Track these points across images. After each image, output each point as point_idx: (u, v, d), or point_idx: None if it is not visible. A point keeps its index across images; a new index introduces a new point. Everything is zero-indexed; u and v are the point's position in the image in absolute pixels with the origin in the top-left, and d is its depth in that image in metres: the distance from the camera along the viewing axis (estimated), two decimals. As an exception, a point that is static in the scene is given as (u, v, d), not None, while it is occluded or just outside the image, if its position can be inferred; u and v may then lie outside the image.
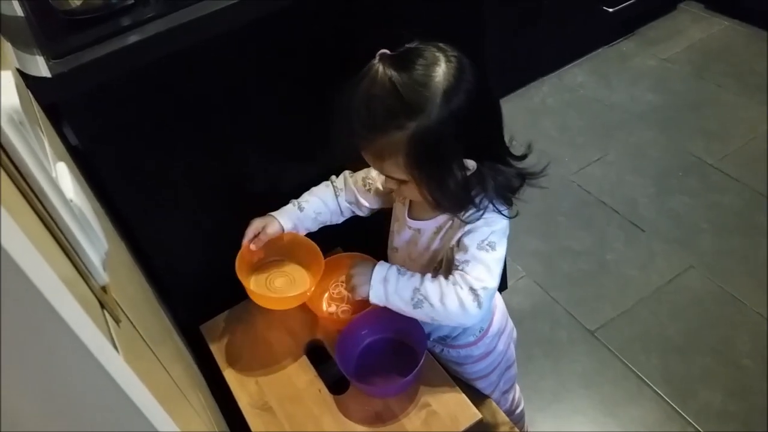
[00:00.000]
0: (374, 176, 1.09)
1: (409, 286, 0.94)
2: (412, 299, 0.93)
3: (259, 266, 1.11)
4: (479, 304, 0.90)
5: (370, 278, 0.95)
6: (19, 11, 0.96)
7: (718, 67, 2.42)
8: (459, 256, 0.93)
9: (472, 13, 1.17)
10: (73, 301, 0.40)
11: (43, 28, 0.90)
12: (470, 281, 0.91)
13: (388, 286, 0.95)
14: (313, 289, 1.06)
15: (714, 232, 1.87)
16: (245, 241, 1.04)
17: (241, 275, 1.03)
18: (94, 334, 0.41)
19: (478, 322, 0.94)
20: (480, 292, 0.90)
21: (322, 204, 1.09)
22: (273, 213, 1.07)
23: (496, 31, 1.25)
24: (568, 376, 1.61)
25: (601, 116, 2.32)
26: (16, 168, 0.43)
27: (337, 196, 1.10)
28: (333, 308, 1.11)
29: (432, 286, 0.93)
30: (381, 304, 0.96)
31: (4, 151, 0.42)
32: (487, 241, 0.92)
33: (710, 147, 2.12)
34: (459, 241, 0.94)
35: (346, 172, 1.12)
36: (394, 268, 0.97)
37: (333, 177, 1.13)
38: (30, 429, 0.40)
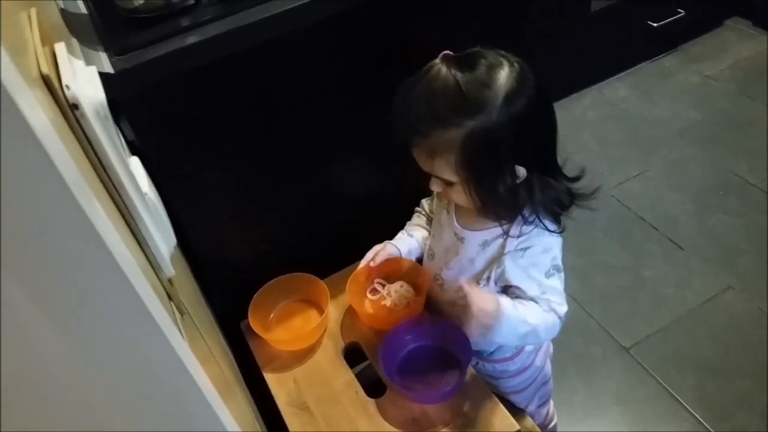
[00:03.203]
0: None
1: (518, 317, 0.92)
2: (521, 329, 0.93)
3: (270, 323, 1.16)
4: (561, 323, 0.98)
5: (495, 301, 0.91)
6: (83, 9, 0.99)
7: (764, 85, 2.38)
8: (533, 293, 0.95)
9: (519, 23, 1.17)
10: (148, 285, 0.41)
11: (106, 25, 0.92)
12: (556, 309, 0.96)
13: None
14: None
15: (754, 252, 1.84)
16: (364, 263, 1.11)
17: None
18: (166, 319, 0.42)
19: None
20: (563, 316, 0.97)
21: (424, 231, 1.15)
22: (387, 241, 1.14)
23: (538, 42, 1.26)
24: (602, 393, 1.59)
25: (642, 131, 2.30)
26: (99, 160, 0.45)
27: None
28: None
29: (536, 316, 0.94)
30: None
31: (90, 143, 0.44)
32: (553, 266, 0.96)
33: (753, 166, 2.08)
34: (528, 272, 0.95)
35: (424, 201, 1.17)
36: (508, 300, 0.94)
37: (423, 201, 1.17)
38: (99, 400, 0.42)
